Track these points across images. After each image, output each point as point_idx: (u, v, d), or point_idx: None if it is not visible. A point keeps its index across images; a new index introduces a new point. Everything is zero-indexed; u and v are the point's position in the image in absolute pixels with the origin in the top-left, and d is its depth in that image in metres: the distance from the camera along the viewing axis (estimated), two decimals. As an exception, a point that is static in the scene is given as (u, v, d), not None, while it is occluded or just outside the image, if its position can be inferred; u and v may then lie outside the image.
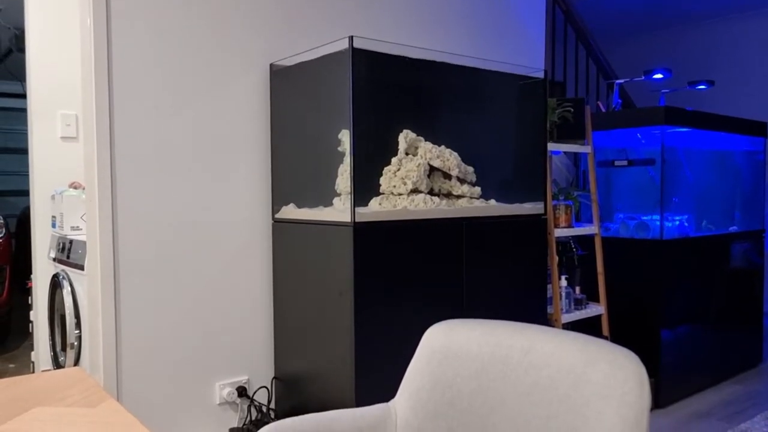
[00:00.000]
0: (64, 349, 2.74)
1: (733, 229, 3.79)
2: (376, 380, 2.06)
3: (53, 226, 3.07)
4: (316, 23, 2.58)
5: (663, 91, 3.83)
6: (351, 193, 2.02)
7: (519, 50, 3.33)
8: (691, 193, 3.53)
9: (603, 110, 3.67)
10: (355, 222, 2.00)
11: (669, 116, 3.14)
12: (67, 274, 2.73)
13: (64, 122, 3.21)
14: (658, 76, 3.46)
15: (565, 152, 3.62)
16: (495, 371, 1.17)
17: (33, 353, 3.28)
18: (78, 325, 2.61)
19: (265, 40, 2.43)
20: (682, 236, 3.33)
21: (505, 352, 1.17)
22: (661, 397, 3.19)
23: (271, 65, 2.43)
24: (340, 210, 2.12)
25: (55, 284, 2.82)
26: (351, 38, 1.98)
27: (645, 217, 3.28)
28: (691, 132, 3.45)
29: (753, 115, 5.76)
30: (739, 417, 3.07)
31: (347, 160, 2.08)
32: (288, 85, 2.36)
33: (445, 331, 1.27)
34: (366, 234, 2.03)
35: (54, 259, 2.94)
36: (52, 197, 3.07)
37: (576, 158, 3.75)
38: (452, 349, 1.23)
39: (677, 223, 3.35)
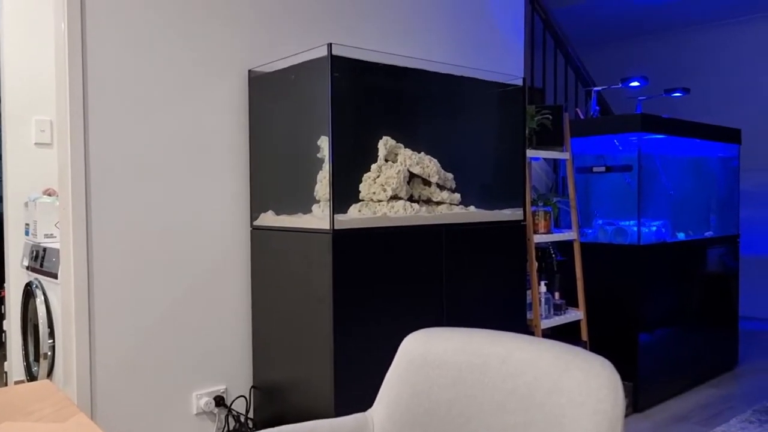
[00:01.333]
0: (37, 359, 2.68)
1: (708, 234, 3.84)
2: (356, 389, 2.05)
3: (26, 233, 3.02)
4: (295, 30, 2.58)
5: (640, 98, 3.87)
6: (330, 200, 2.01)
7: (499, 58, 3.35)
8: (668, 198, 3.57)
9: (581, 117, 3.70)
10: (334, 229, 1.99)
11: (645, 123, 3.18)
12: (40, 282, 2.68)
13: (38, 128, 3.16)
14: (635, 83, 3.50)
15: (544, 159, 3.65)
16: (472, 380, 1.17)
17: (6, 363, 3.21)
18: (51, 335, 2.56)
19: (244, 46, 2.42)
20: (659, 241, 3.36)
21: (482, 360, 1.17)
22: (639, 401, 3.22)
23: (250, 71, 2.42)
24: (319, 217, 2.11)
25: (28, 293, 2.77)
26: (329, 45, 1.98)
27: (623, 223, 3.31)
28: (667, 139, 3.49)
29: (727, 123, 5.86)
30: (716, 420, 3.10)
31: (326, 167, 2.08)
32: (267, 91, 2.35)
33: (423, 340, 1.26)
34: (345, 241, 2.02)
35: (27, 268, 2.89)
36: (26, 204, 3.02)
37: (556, 164, 3.78)
38: (429, 358, 1.22)
39: (654, 228, 3.38)
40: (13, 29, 3.13)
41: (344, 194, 2.18)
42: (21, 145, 3.14)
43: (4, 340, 3.24)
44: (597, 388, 1.03)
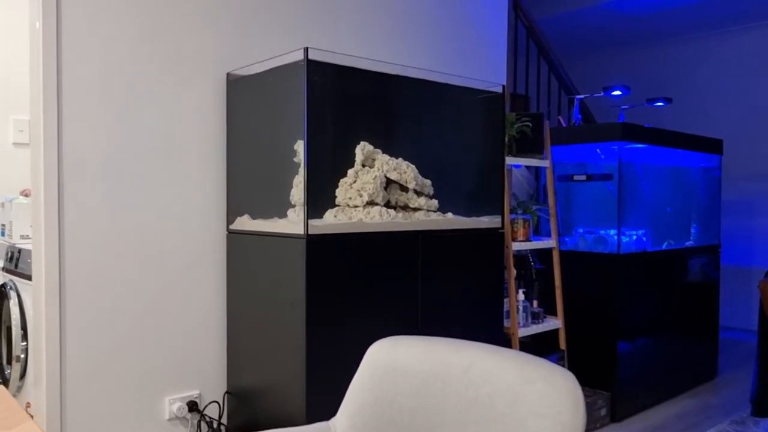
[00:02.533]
0: (10, 362, 2.64)
1: (689, 243, 3.86)
2: (328, 395, 2.03)
3: (2, 234, 2.98)
4: (275, 33, 2.56)
5: (623, 107, 3.89)
6: (304, 205, 1.99)
7: (481, 64, 3.35)
8: (649, 208, 3.58)
9: (564, 125, 3.71)
10: (308, 234, 1.97)
11: (626, 132, 3.19)
12: (14, 284, 2.65)
13: (16, 128, 3.12)
14: (617, 92, 3.52)
15: (526, 166, 3.65)
16: (435, 389, 1.16)
17: (-21, 365, 3.16)
18: (25, 337, 2.52)
19: (222, 49, 2.40)
20: (639, 250, 3.37)
21: (445, 369, 1.16)
22: (617, 411, 3.22)
23: (228, 74, 2.40)
24: (294, 222, 2.10)
25: (2, 294, 2.73)
26: (306, 49, 1.97)
27: (603, 232, 3.32)
28: (648, 148, 3.50)
29: (710, 132, 5.90)
30: (694, 430, 3.11)
31: (302, 171, 2.06)
32: (244, 94, 2.34)
33: (388, 348, 1.25)
34: (319, 246, 2.00)
35: (2, 269, 2.85)
36: (2, 205, 2.98)
37: (537, 172, 3.78)
38: (393, 366, 1.21)
39: (634, 237, 3.39)
40: (-7, 27, 3.10)
41: (320, 199, 2.17)
42: (-2, 145, 3.11)
43: (-23, 341, 3.19)
44: (558, 399, 1.02)
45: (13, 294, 2.61)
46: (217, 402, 2.41)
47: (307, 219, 1.98)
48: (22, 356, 2.53)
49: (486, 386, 1.11)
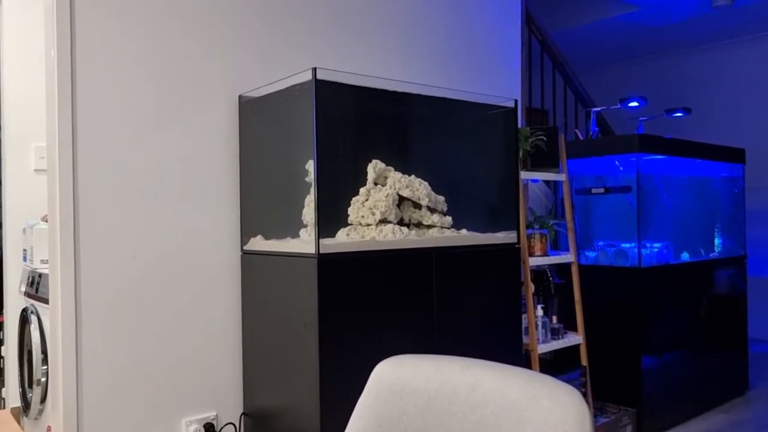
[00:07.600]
0: (31, 385, 2.67)
1: (713, 255, 3.77)
2: (343, 415, 2.01)
3: (24, 259, 3.03)
4: (287, 54, 2.59)
5: (641, 118, 3.84)
6: (315, 224, 1.99)
7: (496, 80, 3.34)
8: (670, 220, 3.52)
9: (581, 138, 3.67)
10: (319, 253, 1.97)
11: (644, 144, 3.15)
12: (35, 308, 2.68)
13: (37, 154, 3.19)
14: (634, 104, 3.48)
15: (543, 180, 3.62)
16: (441, 409, 1.13)
17: (3, 390, 3.21)
18: (45, 361, 2.55)
19: (234, 72, 2.43)
20: (662, 263, 3.30)
21: (451, 389, 1.14)
22: (643, 428, 3.13)
23: (240, 96, 2.43)
24: (305, 241, 2.10)
25: (24, 319, 2.77)
26: (314, 70, 1.98)
27: (624, 245, 3.26)
28: (667, 159, 3.45)
29: (734, 142, 5.80)
30: (724, 448, 3.02)
31: (313, 191, 2.06)
32: (256, 116, 2.36)
33: (393, 367, 1.23)
34: (332, 265, 2.00)
35: (24, 293, 2.90)
36: (24, 230, 3.03)
37: (555, 186, 3.74)
38: (398, 386, 1.19)
39: (656, 250, 3.33)
40: (13, 56, 3.18)
41: (333, 218, 2.17)
42: (20, 172, 3.17)
43: (1, 366, 3.23)
44: (564, 418, 0.99)
45: (33, 318, 2.64)
46: (233, 424, 2.40)
47: (319, 238, 1.98)
48: (43, 380, 2.55)
49: (491, 405, 1.08)
